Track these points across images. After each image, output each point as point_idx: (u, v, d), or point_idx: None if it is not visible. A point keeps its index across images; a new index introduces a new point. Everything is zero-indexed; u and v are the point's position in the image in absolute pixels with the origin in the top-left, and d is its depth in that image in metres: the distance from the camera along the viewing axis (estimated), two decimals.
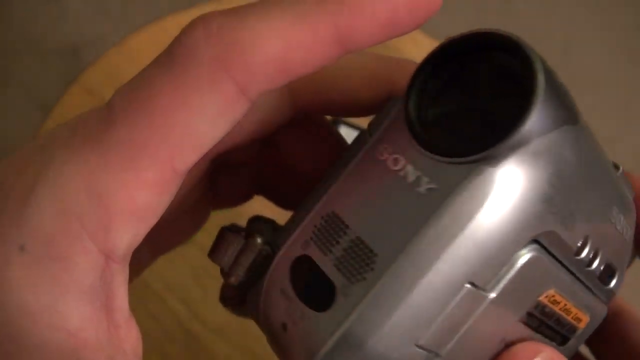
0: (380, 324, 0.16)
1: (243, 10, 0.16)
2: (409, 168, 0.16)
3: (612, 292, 0.23)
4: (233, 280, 0.19)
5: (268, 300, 0.18)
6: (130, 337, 0.17)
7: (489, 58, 0.16)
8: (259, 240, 0.19)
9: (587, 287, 0.21)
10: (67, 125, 0.17)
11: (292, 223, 0.19)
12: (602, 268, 0.21)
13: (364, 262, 0.16)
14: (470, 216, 0.15)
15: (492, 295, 0.17)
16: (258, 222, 0.20)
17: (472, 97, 0.17)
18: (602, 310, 0.23)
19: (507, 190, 0.15)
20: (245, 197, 0.26)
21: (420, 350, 0.17)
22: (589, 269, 0.20)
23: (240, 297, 0.20)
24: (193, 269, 0.48)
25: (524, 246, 0.16)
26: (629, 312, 0.25)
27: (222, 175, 0.23)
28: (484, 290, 0.17)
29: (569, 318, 0.21)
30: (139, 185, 0.16)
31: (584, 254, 0.19)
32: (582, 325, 0.22)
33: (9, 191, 0.16)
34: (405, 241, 0.16)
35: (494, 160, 0.15)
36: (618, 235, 0.21)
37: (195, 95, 0.16)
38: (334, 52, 0.16)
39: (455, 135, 0.16)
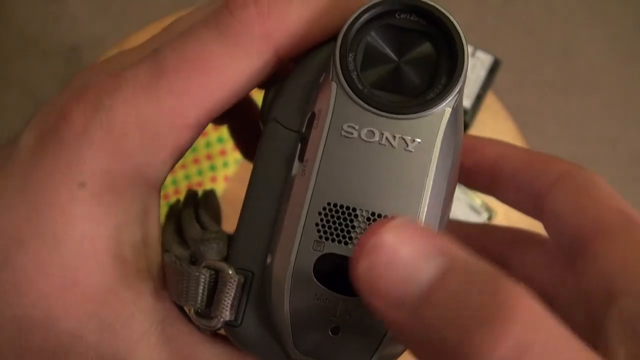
0: None
1: None
2: (387, 135, 0.18)
3: None
4: (215, 323, 0.18)
5: (300, 318, 0.18)
6: (156, 252, 0.20)
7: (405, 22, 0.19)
8: (230, 272, 0.18)
9: None
10: (107, 74, 0.19)
11: (276, 234, 0.18)
12: None
13: None
14: (451, 148, 0.19)
15: None
16: (209, 243, 0.19)
17: (400, 57, 0.19)
18: None
19: (460, 121, 0.19)
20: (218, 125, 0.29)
21: None
22: None
23: (217, 329, 0.19)
24: None
25: None
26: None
27: None
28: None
29: None
30: (184, 128, 0.19)
31: None
32: None
33: (59, 128, 0.19)
34: (419, 195, 0.18)
35: (452, 102, 0.18)
36: None
37: (245, 62, 0.19)
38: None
39: (403, 87, 0.19)
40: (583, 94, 1.27)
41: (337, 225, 0.18)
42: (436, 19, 0.18)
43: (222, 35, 0.19)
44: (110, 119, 0.18)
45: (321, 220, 0.18)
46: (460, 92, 0.18)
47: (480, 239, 0.26)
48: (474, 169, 0.24)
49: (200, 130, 0.20)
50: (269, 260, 0.18)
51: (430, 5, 0.18)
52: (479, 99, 0.59)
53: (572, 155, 1.22)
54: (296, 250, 0.18)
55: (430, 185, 0.18)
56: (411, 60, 0.19)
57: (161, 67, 0.19)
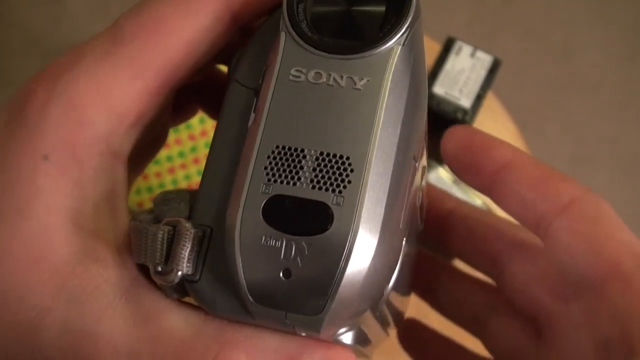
0: (379, 213, 0.17)
1: None
2: (335, 75, 0.18)
3: None
4: (172, 277, 0.18)
5: (251, 263, 0.17)
6: (124, 223, 0.20)
7: None
8: (187, 225, 0.18)
9: None
10: (69, 54, 0.20)
11: (233, 182, 0.18)
12: None
13: (340, 169, 0.17)
14: (405, 86, 0.18)
15: (419, 163, 0.20)
16: (170, 203, 0.20)
17: (351, 4, 0.19)
18: None
19: (416, 62, 0.19)
20: (194, 112, 0.29)
21: (401, 228, 0.19)
22: None
23: (181, 287, 0.19)
24: None
25: None
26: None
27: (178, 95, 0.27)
28: (417, 162, 0.20)
29: None
30: (145, 94, 0.19)
31: None
32: None
33: (23, 106, 0.19)
34: (369, 131, 0.17)
35: (402, 39, 0.18)
36: None
37: (200, 22, 0.19)
38: None
39: (354, 32, 0.19)
40: (583, 94, 1.27)
41: (285, 167, 0.17)
42: None
43: None
44: (71, 92, 0.19)
45: (270, 163, 0.18)
46: (411, 29, 0.18)
47: (481, 226, 0.26)
48: (475, 170, 0.23)
49: (162, 97, 0.20)
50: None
51: None
52: (478, 99, 0.59)
53: (572, 155, 1.22)
54: (245, 194, 0.17)
55: (381, 121, 0.17)
56: (362, 6, 0.19)
57: (118, 35, 0.19)
